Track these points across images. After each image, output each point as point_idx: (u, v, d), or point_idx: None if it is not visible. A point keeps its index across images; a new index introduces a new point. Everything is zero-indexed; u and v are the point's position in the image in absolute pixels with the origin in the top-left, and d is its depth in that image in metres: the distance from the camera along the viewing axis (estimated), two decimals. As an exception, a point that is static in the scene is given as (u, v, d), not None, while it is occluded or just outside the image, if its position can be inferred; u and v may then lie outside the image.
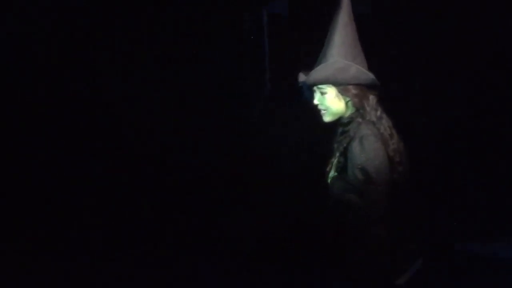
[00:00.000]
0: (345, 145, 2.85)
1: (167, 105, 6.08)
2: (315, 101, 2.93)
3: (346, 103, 2.90)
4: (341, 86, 2.85)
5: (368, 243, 2.82)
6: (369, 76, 2.86)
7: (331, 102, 2.89)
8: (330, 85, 2.86)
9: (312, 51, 3.04)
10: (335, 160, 2.95)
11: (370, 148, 2.76)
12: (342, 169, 2.88)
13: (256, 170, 6.00)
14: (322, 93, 2.89)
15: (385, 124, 2.89)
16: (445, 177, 6.08)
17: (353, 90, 2.85)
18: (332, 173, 2.96)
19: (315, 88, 2.91)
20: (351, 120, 2.89)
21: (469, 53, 5.94)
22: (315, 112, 2.96)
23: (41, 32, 5.99)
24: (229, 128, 6.13)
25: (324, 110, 2.92)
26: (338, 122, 2.96)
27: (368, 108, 2.87)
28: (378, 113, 2.89)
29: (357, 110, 2.89)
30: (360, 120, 2.86)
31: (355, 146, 2.79)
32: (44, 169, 6.05)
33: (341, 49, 2.84)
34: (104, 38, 6.06)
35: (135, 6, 6.03)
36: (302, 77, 2.94)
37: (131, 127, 6.07)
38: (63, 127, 6.11)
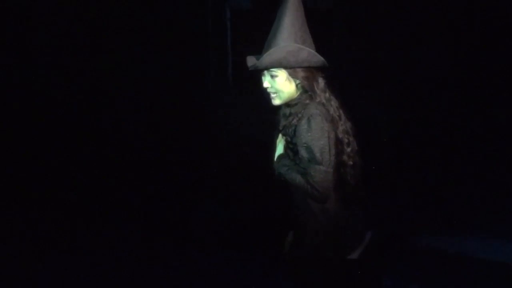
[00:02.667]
0: (294, 126, 2.87)
1: (129, 96, 6.15)
2: (265, 85, 2.94)
3: (296, 86, 2.92)
4: (292, 69, 2.86)
5: (319, 221, 2.87)
6: (319, 58, 2.87)
7: (282, 85, 2.90)
8: (281, 68, 2.87)
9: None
10: (284, 141, 2.97)
11: (317, 127, 2.79)
12: (292, 150, 2.92)
13: (219, 160, 6.07)
14: (273, 76, 2.90)
15: (334, 105, 2.93)
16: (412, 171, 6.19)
17: (303, 73, 2.88)
18: (280, 147, 3.00)
19: (264, 71, 2.92)
20: (299, 101, 2.91)
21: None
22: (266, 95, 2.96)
23: (39, 32, 6.04)
24: (192, 121, 6.15)
25: (274, 93, 2.94)
26: (286, 103, 2.96)
27: (318, 91, 2.90)
28: (327, 94, 2.93)
29: (306, 92, 2.91)
30: (308, 101, 2.89)
31: (303, 125, 2.81)
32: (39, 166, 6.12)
33: (292, 33, 2.83)
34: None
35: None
36: (251, 61, 2.93)
37: (96, 115, 6.13)
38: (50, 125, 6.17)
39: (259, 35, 3.07)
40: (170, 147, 6.17)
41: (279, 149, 3.00)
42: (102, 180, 6.16)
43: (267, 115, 3.15)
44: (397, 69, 6.12)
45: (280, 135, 3.02)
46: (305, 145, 2.80)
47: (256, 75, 2.99)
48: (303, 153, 2.81)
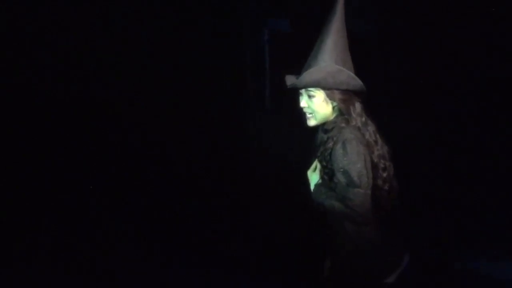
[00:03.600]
0: (329, 150, 2.85)
1: (168, 119, 6.12)
2: (302, 104, 2.93)
3: (333, 108, 2.92)
4: (329, 91, 2.86)
5: (356, 245, 2.85)
6: (358, 82, 2.87)
7: (318, 106, 2.90)
8: (319, 89, 2.87)
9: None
10: (319, 165, 2.95)
11: (353, 151, 2.78)
12: (327, 174, 2.91)
13: (255, 184, 6.06)
14: (310, 96, 2.90)
15: (370, 129, 2.92)
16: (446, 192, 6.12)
17: (341, 95, 2.87)
18: (315, 177, 2.98)
19: (302, 91, 2.91)
20: (334, 125, 2.90)
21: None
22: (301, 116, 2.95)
23: (36, 33, 6.00)
24: (229, 143, 6.15)
25: (310, 113, 2.93)
26: (320, 127, 2.96)
27: (354, 114, 2.89)
28: (363, 119, 2.91)
29: (342, 115, 2.91)
30: (343, 125, 2.88)
31: (338, 149, 2.80)
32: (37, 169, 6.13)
33: (333, 54, 2.83)
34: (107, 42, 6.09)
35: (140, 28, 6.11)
36: (290, 80, 2.93)
37: (138, 144, 6.16)
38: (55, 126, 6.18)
39: (297, 58, 3.06)
40: (205, 170, 6.18)
41: (314, 178, 2.99)
42: (136, 195, 6.22)
43: (305, 139, 3.15)
44: (438, 94, 6.10)
45: (314, 164, 3.02)
46: (342, 169, 2.78)
47: (294, 99, 2.99)
48: (340, 177, 2.79)
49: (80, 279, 5.29)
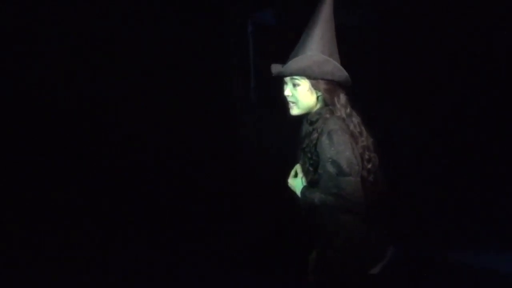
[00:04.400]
0: (314, 141, 2.83)
1: (154, 113, 6.13)
2: (286, 93, 2.91)
3: (317, 98, 2.90)
4: (314, 80, 2.85)
5: (346, 237, 2.83)
6: (343, 73, 2.86)
7: (302, 95, 2.88)
8: (304, 78, 2.85)
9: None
10: (306, 158, 2.91)
11: (339, 141, 2.76)
12: (312, 166, 2.88)
13: (243, 175, 6.05)
14: (295, 85, 2.88)
15: (355, 121, 2.90)
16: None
17: (325, 85, 2.85)
18: (298, 181, 2.96)
19: (287, 79, 2.90)
20: (319, 116, 2.88)
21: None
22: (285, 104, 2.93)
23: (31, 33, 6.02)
24: (215, 137, 6.14)
25: (294, 102, 2.91)
26: (305, 118, 2.94)
27: (338, 105, 2.87)
28: (348, 110, 2.89)
29: (326, 106, 2.89)
30: (328, 115, 2.86)
31: (324, 141, 2.78)
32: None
33: (320, 44, 2.83)
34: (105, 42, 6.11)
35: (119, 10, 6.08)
36: (275, 68, 2.92)
37: (122, 132, 6.14)
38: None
39: (282, 52, 3.05)
40: (193, 166, 6.19)
41: (297, 182, 2.97)
42: (133, 195, 6.21)
43: (291, 132, 3.14)
44: (438, 94, 6.10)
45: (293, 171, 3.01)
46: (330, 160, 2.76)
47: (280, 92, 2.98)
48: (329, 168, 2.76)
49: (80, 279, 5.31)
